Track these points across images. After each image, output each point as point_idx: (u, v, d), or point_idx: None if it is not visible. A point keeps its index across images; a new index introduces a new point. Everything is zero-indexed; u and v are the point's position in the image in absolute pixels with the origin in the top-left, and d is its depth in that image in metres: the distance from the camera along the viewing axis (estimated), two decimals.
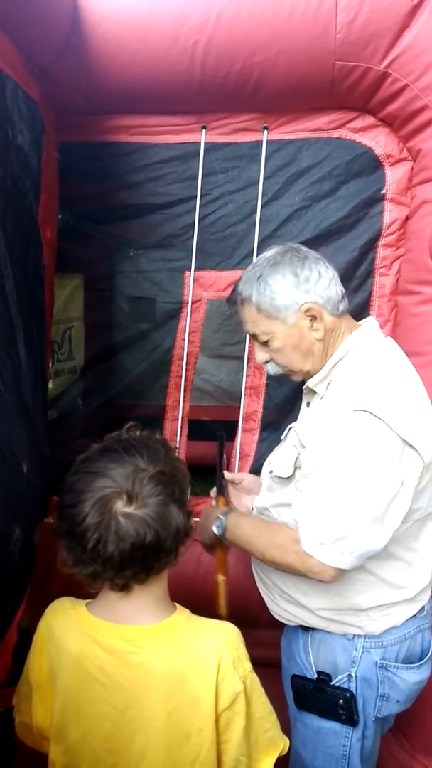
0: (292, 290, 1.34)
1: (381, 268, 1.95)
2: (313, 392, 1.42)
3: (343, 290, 1.40)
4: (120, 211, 2.06)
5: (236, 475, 1.75)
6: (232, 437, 2.17)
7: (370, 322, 1.43)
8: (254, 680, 1.06)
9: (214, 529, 1.43)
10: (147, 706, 1.01)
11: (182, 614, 1.07)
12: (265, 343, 1.40)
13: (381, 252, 1.95)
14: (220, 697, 1.01)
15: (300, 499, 1.30)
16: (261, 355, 1.44)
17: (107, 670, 1.02)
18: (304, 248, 1.42)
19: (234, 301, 1.43)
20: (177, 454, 1.17)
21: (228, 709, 1.02)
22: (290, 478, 1.38)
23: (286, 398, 2.07)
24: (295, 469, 1.37)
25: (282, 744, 1.11)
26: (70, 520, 0.98)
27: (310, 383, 1.41)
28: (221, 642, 1.03)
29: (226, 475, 1.69)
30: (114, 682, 1.02)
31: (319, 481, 1.23)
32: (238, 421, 2.15)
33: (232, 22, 1.62)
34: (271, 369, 1.46)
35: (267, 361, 1.45)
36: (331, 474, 1.21)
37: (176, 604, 1.10)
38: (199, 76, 1.70)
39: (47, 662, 1.09)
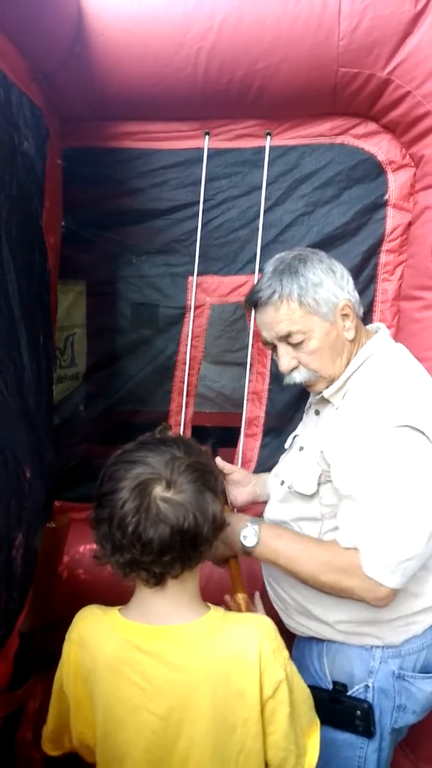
0: (332, 284, 1.31)
1: (384, 273, 1.96)
2: (325, 401, 1.38)
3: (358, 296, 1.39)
4: (123, 216, 2.06)
5: (227, 464, 1.67)
6: (234, 443, 2.16)
7: (383, 330, 1.40)
8: (292, 666, 1.07)
9: (243, 540, 1.30)
10: (192, 707, 1.01)
11: (218, 611, 1.08)
12: (298, 345, 1.33)
13: (384, 257, 1.95)
14: (264, 687, 1.01)
15: (351, 522, 1.24)
16: (287, 360, 1.35)
17: (148, 674, 1.01)
18: (319, 252, 1.40)
19: (264, 301, 1.34)
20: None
21: (271, 698, 1.02)
22: (314, 494, 1.34)
23: (288, 403, 2.07)
24: (319, 485, 1.33)
25: (317, 721, 1.12)
26: (111, 506, 0.99)
27: (326, 393, 1.35)
28: (260, 633, 1.03)
29: (217, 461, 1.61)
30: (155, 686, 1.01)
31: (375, 504, 1.19)
32: (240, 427, 2.15)
33: (236, 30, 1.63)
34: (298, 376, 1.37)
35: (294, 368, 1.36)
36: (388, 496, 1.17)
37: (209, 604, 1.10)
38: (202, 83, 1.71)
39: (83, 672, 1.07)
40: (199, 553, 1.02)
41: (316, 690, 1.33)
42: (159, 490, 0.98)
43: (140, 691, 1.01)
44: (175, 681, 1.01)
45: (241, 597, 1.30)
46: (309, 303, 1.30)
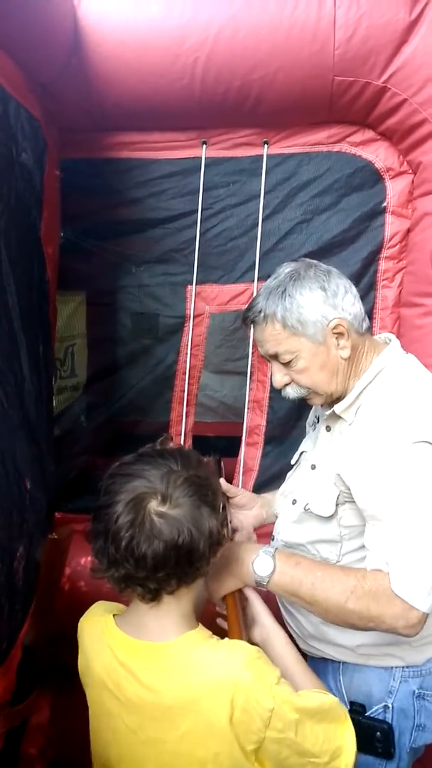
0: (321, 305, 1.26)
1: (383, 280, 1.96)
2: (336, 417, 1.33)
3: (365, 308, 1.34)
4: (122, 226, 2.07)
5: (232, 487, 1.59)
6: (236, 453, 2.16)
7: (394, 341, 1.36)
8: (284, 687, 0.98)
9: (256, 570, 1.18)
10: (160, 729, 0.98)
11: (201, 633, 1.04)
12: (288, 364, 1.30)
13: (383, 264, 1.95)
14: (252, 722, 0.93)
15: (380, 543, 1.17)
16: (279, 377, 1.33)
17: (122, 686, 1.01)
18: (323, 264, 1.34)
19: (252, 319, 1.33)
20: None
21: (268, 729, 0.93)
22: (332, 516, 1.30)
23: (289, 412, 2.07)
24: (337, 506, 1.29)
25: (343, 714, 1.03)
26: (106, 520, 0.98)
27: (337, 409, 1.31)
28: (238, 662, 0.97)
29: (222, 483, 1.51)
30: (128, 699, 1.01)
31: (400, 523, 1.14)
32: (241, 436, 2.14)
33: (232, 40, 1.64)
34: (292, 392, 1.35)
35: (286, 384, 1.34)
36: (412, 514, 1.12)
37: (199, 624, 1.07)
38: (199, 93, 1.72)
39: (82, 667, 1.11)
40: (196, 569, 1.01)
41: None
42: (154, 505, 0.97)
43: (117, 701, 1.02)
44: (145, 699, 0.99)
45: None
46: (293, 325, 1.26)
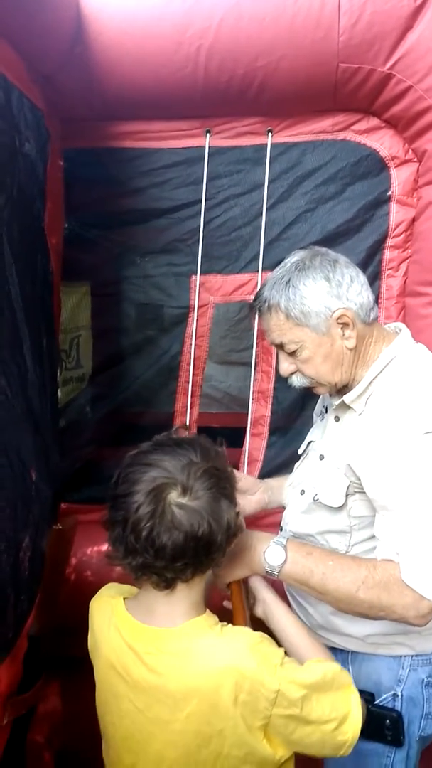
0: (324, 295, 1.26)
1: (388, 269, 1.95)
2: (345, 407, 1.33)
3: (373, 297, 1.33)
4: (125, 216, 2.06)
5: (235, 472, 1.59)
6: (241, 443, 2.16)
7: (405, 331, 1.35)
8: (289, 665, 1.00)
9: (268, 559, 1.20)
10: (163, 709, 1.00)
11: (207, 619, 1.05)
12: (293, 353, 1.31)
13: (388, 254, 1.94)
14: (259, 703, 0.96)
15: (390, 533, 1.18)
16: (286, 365, 1.35)
17: (129, 668, 1.03)
18: (332, 252, 1.34)
19: (258, 308, 1.34)
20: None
21: (275, 707, 0.96)
22: (342, 506, 1.30)
23: (294, 402, 2.06)
24: (347, 496, 1.29)
25: (347, 681, 1.05)
26: (125, 509, 0.99)
27: (347, 399, 1.31)
28: (241, 648, 0.99)
29: None
30: (134, 680, 1.03)
31: (411, 514, 1.14)
32: (246, 427, 2.14)
33: (235, 27, 1.62)
34: (297, 381, 1.36)
35: (292, 373, 1.35)
36: (423, 504, 1.13)
37: (207, 610, 1.08)
38: (202, 81, 1.71)
39: (92, 645, 1.13)
40: (212, 559, 1.02)
41: None
42: (174, 496, 0.98)
43: (123, 682, 1.04)
44: (150, 682, 1.01)
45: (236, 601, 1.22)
46: (296, 316, 1.27)
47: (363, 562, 1.19)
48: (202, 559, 1.00)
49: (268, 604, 1.21)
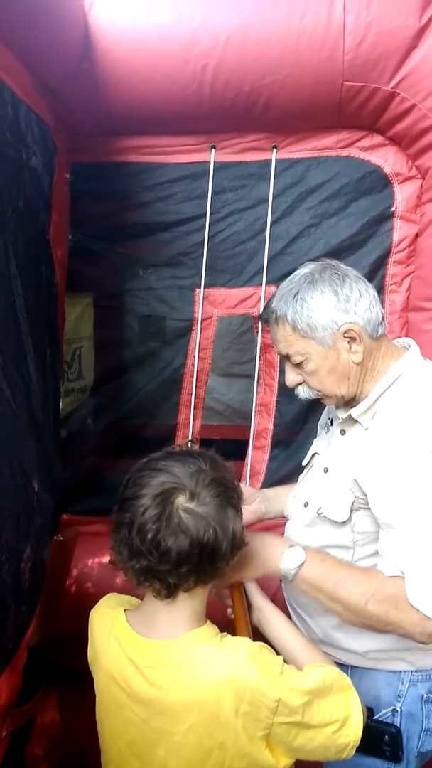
0: (332, 309, 1.25)
1: (392, 285, 1.96)
2: (352, 421, 1.33)
3: (383, 312, 1.33)
4: (130, 230, 2.08)
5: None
6: (243, 456, 2.16)
7: (414, 347, 1.35)
8: (288, 672, 1.00)
9: (285, 561, 1.20)
10: (165, 721, 1.00)
11: (207, 630, 1.05)
12: (299, 365, 1.31)
13: (391, 269, 1.95)
14: (261, 713, 0.96)
15: (394, 552, 1.17)
16: (293, 377, 1.34)
17: (130, 681, 1.03)
18: (343, 265, 1.33)
19: (266, 319, 1.34)
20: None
21: (276, 716, 0.96)
22: (346, 521, 1.29)
23: (297, 415, 2.06)
24: (352, 511, 1.28)
25: (346, 684, 1.06)
26: (132, 511, 0.99)
27: (354, 413, 1.31)
28: (240, 659, 0.99)
29: None
30: (135, 693, 1.02)
31: (417, 532, 1.14)
32: (248, 440, 2.14)
33: (241, 46, 1.65)
34: (303, 392, 1.35)
35: (299, 384, 1.34)
36: (428, 523, 1.13)
37: (207, 621, 1.08)
38: (208, 99, 1.73)
39: (91, 656, 1.13)
40: (216, 568, 1.02)
41: None
42: (182, 500, 0.98)
43: (125, 694, 1.04)
44: (151, 695, 1.01)
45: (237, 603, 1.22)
46: (302, 328, 1.26)
47: (374, 575, 1.19)
48: (206, 567, 1.00)
49: (263, 610, 1.21)
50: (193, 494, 0.99)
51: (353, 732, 1.02)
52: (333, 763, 1.32)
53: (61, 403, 1.97)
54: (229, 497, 1.03)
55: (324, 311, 1.25)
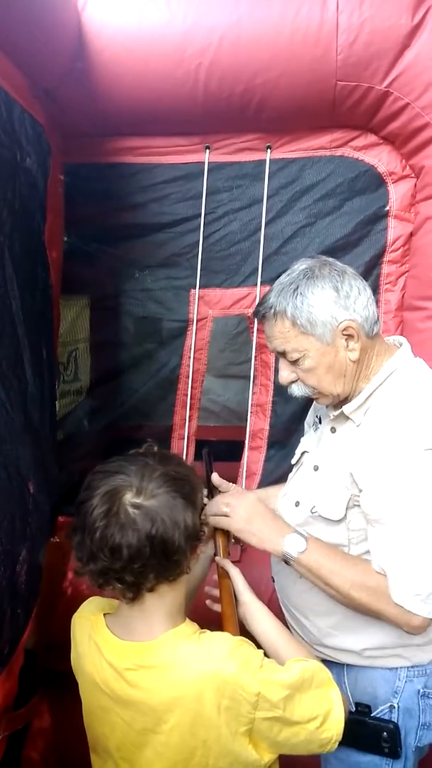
0: (332, 305, 1.23)
1: (386, 284, 1.96)
2: (343, 418, 1.32)
3: (377, 311, 1.32)
4: (125, 231, 2.07)
5: (224, 481, 1.50)
6: (238, 457, 2.16)
7: (406, 344, 1.35)
8: (268, 666, 1.01)
9: (287, 548, 1.24)
10: (148, 721, 1.01)
11: (185, 628, 1.05)
12: (295, 362, 1.29)
13: (386, 268, 1.95)
14: (241, 707, 0.97)
15: (381, 547, 1.19)
16: (286, 374, 1.32)
17: (111, 684, 1.03)
18: (339, 263, 1.31)
19: (263, 314, 1.32)
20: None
21: (257, 711, 0.97)
22: (341, 519, 1.29)
23: (293, 415, 2.06)
24: (347, 509, 1.28)
25: (327, 678, 1.06)
26: (83, 513, 1.00)
27: (346, 410, 1.30)
28: (220, 654, 1.00)
29: (214, 478, 1.50)
30: (117, 696, 1.02)
31: (404, 530, 1.15)
32: (244, 441, 2.14)
33: (234, 46, 1.65)
34: (297, 390, 1.34)
35: (293, 382, 1.33)
36: (417, 522, 1.13)
37: (186, 619, 1.08)
38: (202, 98, 1.73)
39: (74, 660, 1.13)
40: (175, 562, 1.01)
41: None
42: (129, 497, 0.98)
43: (108, 698, 1.04)
44: (132, 697, 1.01)
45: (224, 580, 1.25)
46: (302, 324, 1.25)
47: (362, 564, 1.23)
48: (162, 562, 0.99)
49: (248, 605, 1.21)
50: (140, 489, 0.99)
51: (335, 726, 1.02)
52: (332, 762, 1.33)
53: (57, 405, 1.97)
54: (180, 488, 1.02)
55: (325, 307, 1.24)
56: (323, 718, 1.01)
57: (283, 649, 1.12)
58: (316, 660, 1.09)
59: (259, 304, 1.34)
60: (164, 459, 1.06)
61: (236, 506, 1.30)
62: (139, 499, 0.98)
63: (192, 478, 1.08)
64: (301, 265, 1.30)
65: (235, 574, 1.25)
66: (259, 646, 1.09)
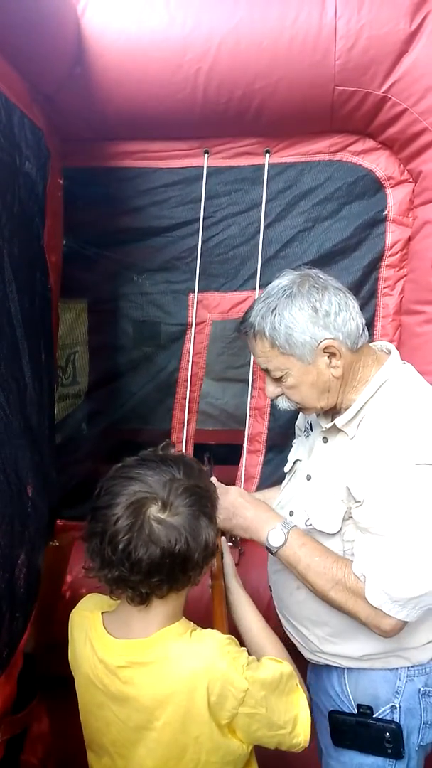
0: (310, 325, 1.21)
1: (384, 288, 1.96)
2: (336, 430, 1.32)
3: (364, 322, 1.29)
4: (124, 235, 2.08)
5: (222, 485, 1.50)
6: (236, 461, 2.16)
7: (395, 352, 1.33)
8: (252, 665, 1.04)
9: (270, 538, 1.28)
10: (142, 718, 1.02)
11: (179, 627, 1.06)
12: (278, 379, 1.30)
13: (384, 272, 1.96)
14: (227, 702, 0.99)
15: (364, 554, 1.21)
16: (272, 389, 1.33)
17: (105, 682, 1.05)
18: (323, 276, 1.29)
19: (244, 332, 1.32)
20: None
21: (242, 705, 1.00)
22: (337, 532, 1.29)
23: (291, 419, 2.05)
24: (343, 522, 1.28)
25: (295, 684, 1.09)
26: (104, 521, 0.99)
27: (338, 423, 1.29)
28: (211, 652, 1.01)
29: (212, 480, 1.49)
30: (111, 693, 1.04)
31: (390, 540, 1.16)
32: (243, 444, 2.14)
33: (233, 51, 1.65)
34: (282, 404, 1.35)
35: (278, 396, 1.33)
36: (404, 533, 1.14)
37: (182, 618, 1.09)
38: (201, 103, 1.74)
39: (71, 657, 1.14)
40: (188, 577, 1.02)
41: (340, 714, 1.33)
42: (154, 510, 0.98)
43: (102, 695, 1.05)
44: (127, 694, 1.02)
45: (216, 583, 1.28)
46: (281, 344, 1.24)
47: (342, 565, 1.24)
48: (177, 576, 1.00)
49: (233, 593, 1.24)
50: (166, 504, 0.98)
51: (303, 732, 1.07)
52: (332, 764, 1.33)
53: (55, 408, 1.97)
54: (203, 506, 1.02)
55: (303, 327, 1.22)
56: (293, 724, 1.06)
57: (263, 646, 1.17)
58: (289, 661, 1.13)
59: (241, 322, 1.33)
60: (188, 470, 1.05)
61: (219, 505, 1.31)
62: (164, 515, 0.98)
63: (213, 493, 1.09)
64: (282, 281, 1.29)
65: (228, 561, 1.30)
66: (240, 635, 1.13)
